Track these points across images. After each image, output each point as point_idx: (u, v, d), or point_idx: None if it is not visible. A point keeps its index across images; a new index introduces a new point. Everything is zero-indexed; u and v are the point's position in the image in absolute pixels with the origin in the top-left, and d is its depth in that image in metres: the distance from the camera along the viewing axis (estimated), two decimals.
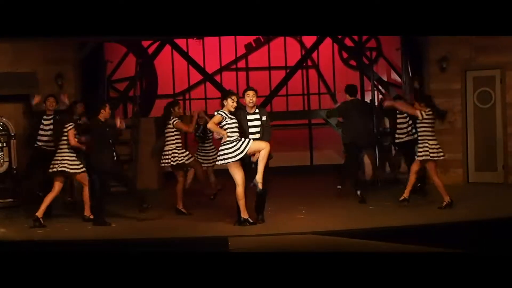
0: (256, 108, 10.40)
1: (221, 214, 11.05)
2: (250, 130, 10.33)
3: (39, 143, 11.65)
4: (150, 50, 16.51)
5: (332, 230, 9.52)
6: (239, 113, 10.34)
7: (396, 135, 12.27)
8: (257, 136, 10.25)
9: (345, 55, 17.11)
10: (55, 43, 12.89)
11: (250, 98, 10.29)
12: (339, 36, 16.05)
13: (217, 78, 16.89)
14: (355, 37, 16.62)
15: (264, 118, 10.38)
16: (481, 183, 13.03)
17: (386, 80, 16.49)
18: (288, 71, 16.54)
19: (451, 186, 12.05)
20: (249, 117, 10.36)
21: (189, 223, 10.58)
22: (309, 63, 17.07)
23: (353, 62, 16.99)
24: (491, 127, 13.13)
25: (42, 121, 11.59)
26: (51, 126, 11.37)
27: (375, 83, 15.74)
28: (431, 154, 10.67)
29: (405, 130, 12.14)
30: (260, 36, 17.01)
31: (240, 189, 9.94)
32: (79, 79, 13.51)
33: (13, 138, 12.74)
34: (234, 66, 17.30)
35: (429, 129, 10.72)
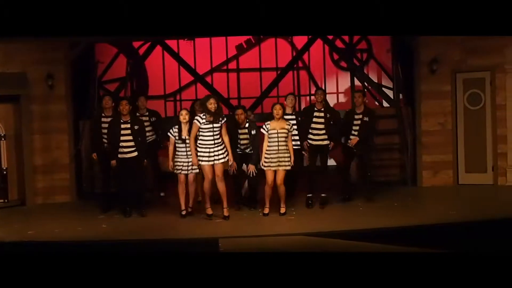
0: (247, 123, 11.03)
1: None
2: (241, 142, 11.13)
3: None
4: (141, 51, 16.49)
5: (323, 231, 9.55)
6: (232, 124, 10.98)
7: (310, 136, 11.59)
8: (248, 149, 11.07)
9: (335, 56, 17.15)
10: (46, 44, 12.85)
11: (238, 116, 11.05)
12: (330, 37, 16.09)
13: (208, 79, 16.90)
14: (346, 39, 16.67)
15: (253, 132, 10.80)
16: (471, 184, 13.07)
17: (376, 81, 16.53)
18: (279, 72, 16.57)
19: (441, 188, 12.12)
20: (240, 130, 11.13)
21: (179, 224, 10.60)
22: (300, 64, 17.09)
23: (343, 64, 17.05)
24: (481, 128, 13.16)
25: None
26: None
27: (366, 84, 15.77)
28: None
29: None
30: (251, 37, 17.04)
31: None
32: (70, 79, 13.47)
33: (3, 139, 12.74)
34: (225, 67, 17.31)
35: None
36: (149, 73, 16.90)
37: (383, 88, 16.12)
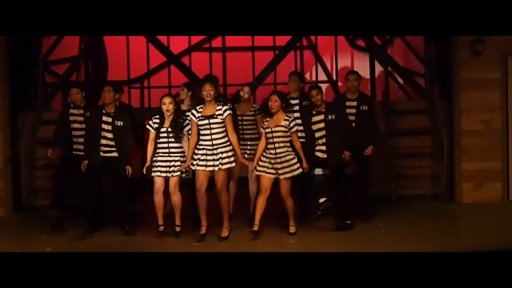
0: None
1: (190, 228, 11.14)
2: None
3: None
4: None
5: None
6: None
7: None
8: None
9: None
10: None
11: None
12: None
13: (185, 60, 16.89)
14: None
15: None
16: None
17: (403, 66, 16.48)
18: (276, 52, 16.54)
19: (486, 204, 12.12)
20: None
21: (147, 244, 10.70)
22: (304, 42, 17.09)
23: (361, 43, 17.02)
24: None
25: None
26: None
27: (389, 69, 15.77)
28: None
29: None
30: None
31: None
32: (7, 60, 13.46)
33: None
34: (207, 45, 17.30)
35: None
36: (109, 52, 16.84)
37: (412, 75, 16.13)
